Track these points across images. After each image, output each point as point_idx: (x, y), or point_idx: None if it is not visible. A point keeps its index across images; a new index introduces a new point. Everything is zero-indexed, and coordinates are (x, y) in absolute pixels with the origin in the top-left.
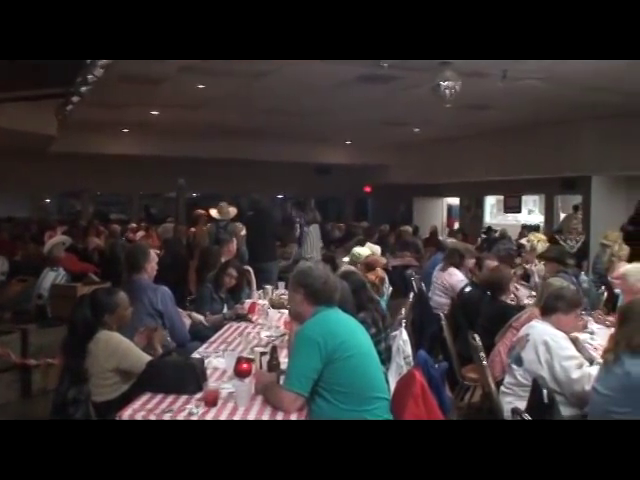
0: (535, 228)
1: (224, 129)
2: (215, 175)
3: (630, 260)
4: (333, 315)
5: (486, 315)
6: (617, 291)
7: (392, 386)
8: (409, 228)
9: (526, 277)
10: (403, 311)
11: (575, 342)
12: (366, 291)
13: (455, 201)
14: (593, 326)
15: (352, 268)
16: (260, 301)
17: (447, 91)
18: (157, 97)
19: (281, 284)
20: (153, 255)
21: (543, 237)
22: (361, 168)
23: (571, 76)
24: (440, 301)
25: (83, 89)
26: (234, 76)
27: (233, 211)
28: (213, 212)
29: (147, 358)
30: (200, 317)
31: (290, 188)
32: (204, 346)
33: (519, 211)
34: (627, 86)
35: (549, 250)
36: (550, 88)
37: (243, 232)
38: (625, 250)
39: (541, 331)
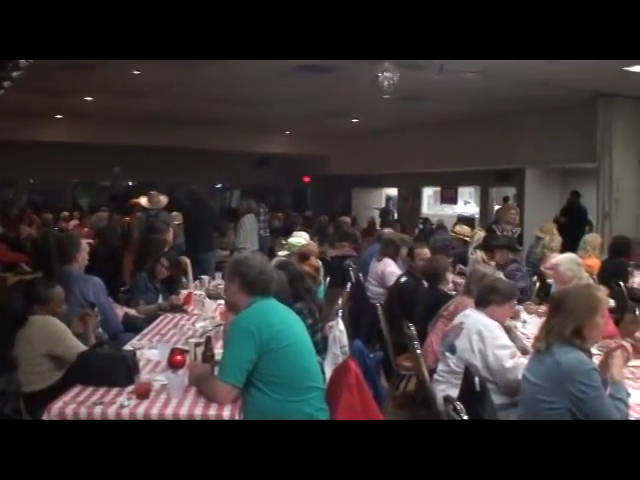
0: (470, 219)
1: (162, 117)
2: (152, 164)
3: (562, 251)
4: (269, 305)
5: (423, 304)
6: (550, 281)
7: (328, 376)
8: (348, 219)
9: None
10: (340, 301)
11: (509, 331)
12: (303, 281)
13: (393, 192)
14: (525, 315)
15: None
16: (197, 292)
17: (385, 82)
18: (92, 83)
19: (218, 274)
20: (84, 245)
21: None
22: (301, 158)
23: (505, 70)
24: (376, 291)
25: (15, 74)
26: (172, 63)
27: (164, 200)
28: (143, 200)
29: (81, 347)
30: (133, 311)
31: (229, 178)
32: (137, 337)
33: (455, 202)
34: (560, 80)
35: (499, 239)
36: (485, 82)
37: (177, 222)
38: (557, 241)
39: (475, 320)
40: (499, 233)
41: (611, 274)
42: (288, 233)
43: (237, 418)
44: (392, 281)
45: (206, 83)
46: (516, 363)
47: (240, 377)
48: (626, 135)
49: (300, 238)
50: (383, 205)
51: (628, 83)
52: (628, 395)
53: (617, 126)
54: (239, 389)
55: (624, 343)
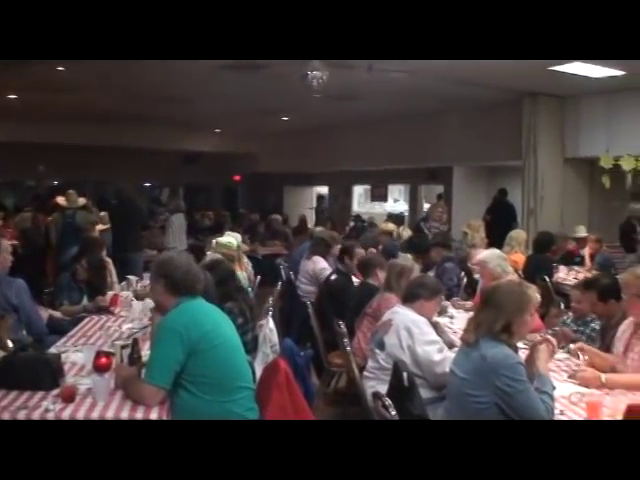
0: (400, 217)
1: (88, 114)
2: (79, 162)
3: (488, 247)
4: (196, 305)
5: (355, 299)
6: (477, 277)
7: (258, 375)
8: (279, 217)
9: None
10: (271, 300)
11: (436, 327)
12: (234, 281)
13: (324, 190)
14: (453, 311)
15: (219, 257)
16: (124, 292)
17: (315, 81)
18: (16, 80)
19: (147, 275)
20: (5, 246)
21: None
22: (231, 156)
23: (433, 69)
24: (307, 289)
25: None
26: (98, 60)
27: (81, 200)
28: (61, 200)
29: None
30: (58, 314)
31: (158, 176)
32: (63, 340)
33: (385, 200)
34: (487, 79)
35: (436, 236)
36: (414, 81)
37: (101, 227)
38: (482, 238)
39: (404, 317)
40: (427, 231)
41: (536, 269)
42: (219, 232)
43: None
44: (326, 274)
45: (134, 80)
46: (444, 357)
47: (167, 378)
48: (550, 133)
49: (230, 237)
50: (314, 204)
51: (553, 82)
52: (553, 388)
53: (542, 125)
54: (166, 391)
55: (549, 337)
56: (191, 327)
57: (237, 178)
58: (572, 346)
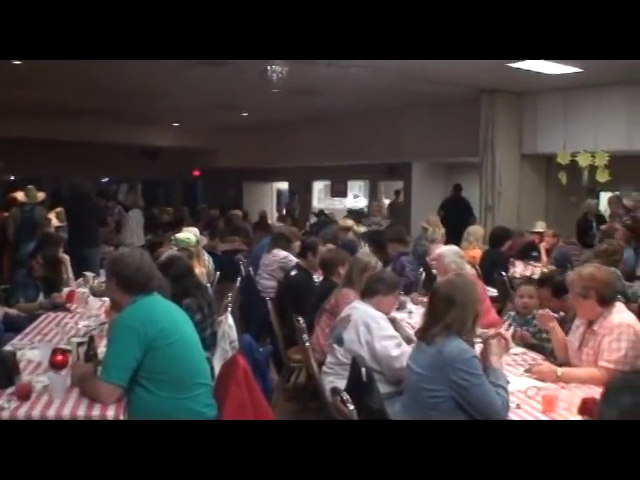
0: (359, 212)
1: (45, 109)
2: (36, 157)
3: (446, 242)
4: (153, 302)
5: (317, 295)
6: (435, 272)
7: (217, 372)
8: (239, 212)
9: None
10: (230, 296)
11: (394, 322)
12: (191, 277)
13: (285, 186)
14: (411, 306)
15: (177, 254)
16: (80, 289)
17: (274, 75)
18: None
19: (103, 271)
20: None
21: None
22: (190, 151)
23: (392, 66)
24: (267, 284)
25: None
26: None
27: (41, 195)
28: (20, 195)
29: None
30: (14, 311)
31: (116, 171)
32: (18, 337)
33: (345, 196)
34: (445, 76)
35: (390, 231)
36: (373, 77)
37: (53, 217)
38: (441, 233)
39: (362, 312)
40: (367, 226)
41: (492, 264)
42: (177, 227)
43: (121, 418)
44: (291, 264)
45: (92, 75)
46: (402, 352)
47: (124, 376)
48: (508, 130)
49: (188, 233)
50: (275, 200)
51: (510, 79)
52: (507, 382)
53: (499, 121)
54: (123, 388)
55: (502, 331)
56: (147, 324)
57: (196, 173)
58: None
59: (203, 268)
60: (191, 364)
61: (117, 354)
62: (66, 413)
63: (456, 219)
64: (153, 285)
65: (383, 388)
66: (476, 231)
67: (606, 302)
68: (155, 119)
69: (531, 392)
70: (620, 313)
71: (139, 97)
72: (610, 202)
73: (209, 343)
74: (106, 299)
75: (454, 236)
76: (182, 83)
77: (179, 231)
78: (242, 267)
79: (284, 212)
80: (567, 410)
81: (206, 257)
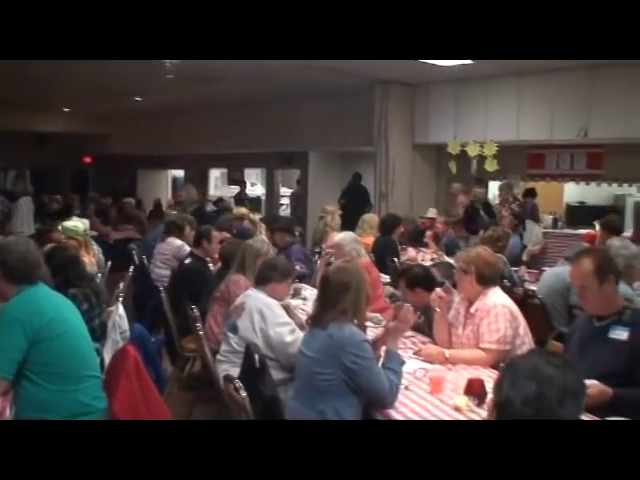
0: (256, 200)
1: None
2: None
3: (343, 230)
4: (39, 292)
5: (214, 283)
6: (332, 259)
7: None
8: (132, 200)
9: None
10: (121, 285)
11: (287, 309)
12: (77, 266)
13: (180, 173)
14: (306, 292)
15: (63, 243)
16: None
17: (168, 62)
18: None
19: None
20: None
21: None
22: (82, 137)
23: None
24: (161, 273)
25: None
26: None
27: None
28: None
29: None
30: None
31: (3, 158)
32: None
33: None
34: (340, 66)
35: (279, 221)
36: (271, 64)
37: None
38: (338, 221)
39: (256, 300)
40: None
41: (383, 251)
42: (67, 216)
43: (8, 412)
44: (186, 252)
45: None
46: (296, 338)
47: (9, 368)
48: (401, 120)
49: (76, 222)
50: (170, 187)
51: (403, 70)
52: (403, 363)
53: (392, 111)
54: (8, 381)
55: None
56: (33, 315)
57: (88, 160)
58: None
59: (92, 257)
60: (79, 356)
61: (2, 346)
62: None
63: (356, 207)
64: (39, 275)
65: (277, 374)
66: (371, 219)
67: (484, 281)
68: (44, 104)
69: (419, 374)
70: (496, 295)
71: (25, 81)
72: (501, 189)
73: (98, 334)
74: None
75: (354, 224)
76: (73, 67)
77: (68, 220)
78: (135, 256)
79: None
80: (454, 391)
81: (95, 246)
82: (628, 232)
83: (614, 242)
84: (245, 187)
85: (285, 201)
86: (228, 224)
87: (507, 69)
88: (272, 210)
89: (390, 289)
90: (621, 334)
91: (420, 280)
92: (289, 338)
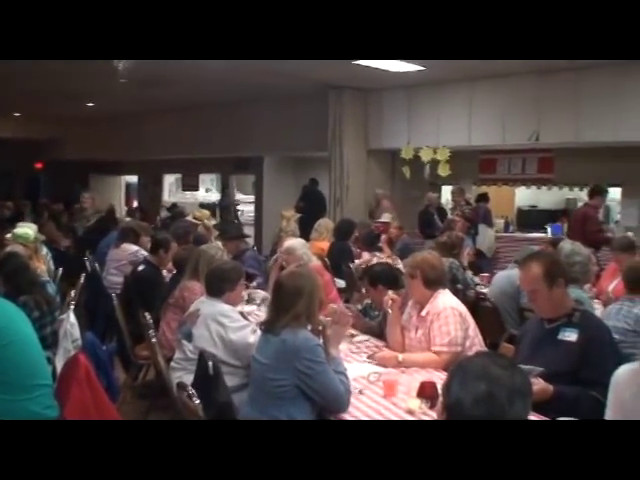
0: (212, 206)
1: None
2: None
3: (301, 235)
4: None
5: (169, 290)
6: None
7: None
8: None
9: None
10: (73, 293)
11: (242, 315)
12: (27, 273)
13: (134, 179)
14: (260, 297)
15: (15, 250)
16: None
17: (120, 65)
18: None
19: None
20: None
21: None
22: (32, 143)
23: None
24: (115, 280)
25: None
26: None
27: None
28: None
29: None
30: None
31: None
32: None
33: (197, 189)
34: (295, 71)
35: (227, 230)
36: (226, 69)
37: None
38: (293, 226)
39: (211, 307)
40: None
41: (338, 255)
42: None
43: None
44: (142, 258)
45: None
46: (258, 337)
47: None
48: (355, 125)
49: (26, 229)
50: (124, 193)
51: (356, 75)
52: (345, 369)
53: (347, 117)
54: None
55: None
56: None
57: (39, 166)
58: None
59: (43, 265)
60: (30, 364)
61: None
62: None
63: (313, 212)
64: None
65: (232, 381)
66: (327, 224)
67: (430, 284)
68: None
69: (373, 377)
70: (445, 297)
71: None
72: (453, 193)
73: (50, 342)
74: None
75: (312, 229)
76: (23, 70)
77: (19, 226)
78: (87, 263)
79: (133, 206)
80: (407, 394)
81: (45, 252)
82: None
83: (565, 246)
84: (227, 193)
85: (241, 207)
86: (183, 231)
87: (459, 75)
88: (228, 216)
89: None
90: (570, 335)
91: (382, 277)
92: (252, 339)
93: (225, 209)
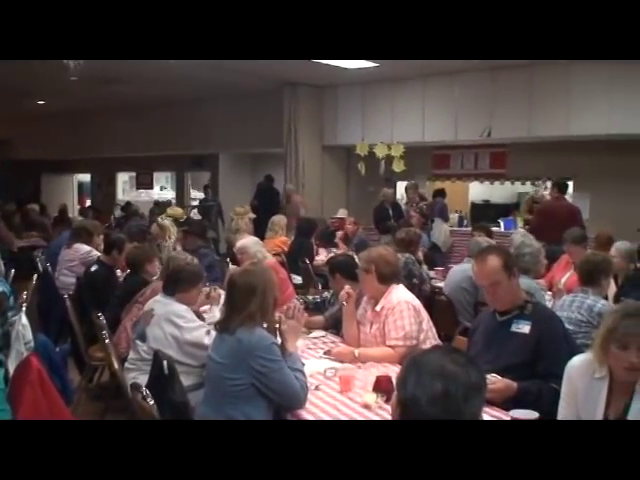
0: (167, 204)
1: None
2: None
3: (256, 232)
4: None
5: (124, 289)
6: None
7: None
8: (36, 206)
9: None
10: (25, 294)
11: (198, 315)
12: None
13: (86, 178)
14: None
15: None
16: None
17: (72, 62)
18: None
19: None
20: None
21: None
22: None
23: None
24: (67, 281)
25: None
26: None
27: None
28: None
29: None
30: None
31: None
32: None
33: (152, 188)
34: (251, 68)
35: (192, 225)
36: (181, 66)
37: None
38: (248, 223)
39: (165, 307)
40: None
41: (298, 253)
42: None
43: None
44: (94, 259)
45: None
46: (211, 337)
47: None
48: (310, 122)
49: None
50: (76, 192)
51: (311, 72)
52: (303, 365)
53: (302, 113)
54: None
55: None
56: None
57: None
58: None
59: None
60: None
61: None
62: None
63: (268, 209)
64: None
65: (188, 380)
66: (280, 221)
67: (385, 280)
68: None
69: (329, 373)
70: (399, 292)
71: None
72: (407, 189)
73: (2, 344)
74: None
75: (266, 226)
76: None
77: None
78: (39, 263)
79: (86, 205)
80: (363, 388)
81: None
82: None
83: (516, 237)
84: (209, 192)
85: (195, 204)
86: (137, 230)
87: (412, 71)
88: (210, 217)
89: None
90: (523, 327)
91: (341, 267)
92: (207, 340)
93: (207, 209)
